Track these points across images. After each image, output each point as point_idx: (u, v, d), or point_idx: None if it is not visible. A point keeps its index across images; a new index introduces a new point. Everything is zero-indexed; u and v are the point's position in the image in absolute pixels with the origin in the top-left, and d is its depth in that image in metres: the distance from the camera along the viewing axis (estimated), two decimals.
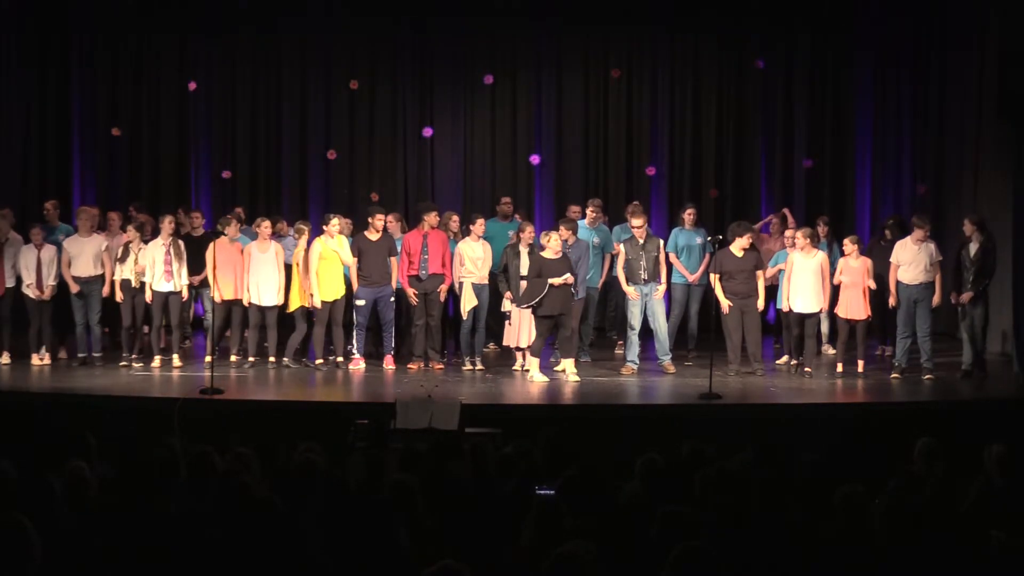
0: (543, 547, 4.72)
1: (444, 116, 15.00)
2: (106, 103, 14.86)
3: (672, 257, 12.01)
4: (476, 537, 5.42)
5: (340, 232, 11.79)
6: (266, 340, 11.84)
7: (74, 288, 11.64)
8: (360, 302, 11.71)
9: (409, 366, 11.79)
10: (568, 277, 10.90)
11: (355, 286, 11.69)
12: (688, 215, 12.25)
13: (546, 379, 11.02)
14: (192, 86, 14.80)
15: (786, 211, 13.32)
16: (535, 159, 14.94)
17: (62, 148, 14.83)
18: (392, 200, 14.51)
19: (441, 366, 11.83)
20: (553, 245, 11.06)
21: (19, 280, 11.71)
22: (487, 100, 15.02)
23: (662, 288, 11.54)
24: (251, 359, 11.75)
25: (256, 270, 11.62)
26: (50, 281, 11.64)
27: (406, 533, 5.29)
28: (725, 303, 11.43)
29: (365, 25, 14.83)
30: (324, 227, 11.73)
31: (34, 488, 5.74)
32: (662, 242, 11.64)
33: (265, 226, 11.76)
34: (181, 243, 11.75)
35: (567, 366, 11.13)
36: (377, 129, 15.07)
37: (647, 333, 11.75)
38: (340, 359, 11.86)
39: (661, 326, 11.57)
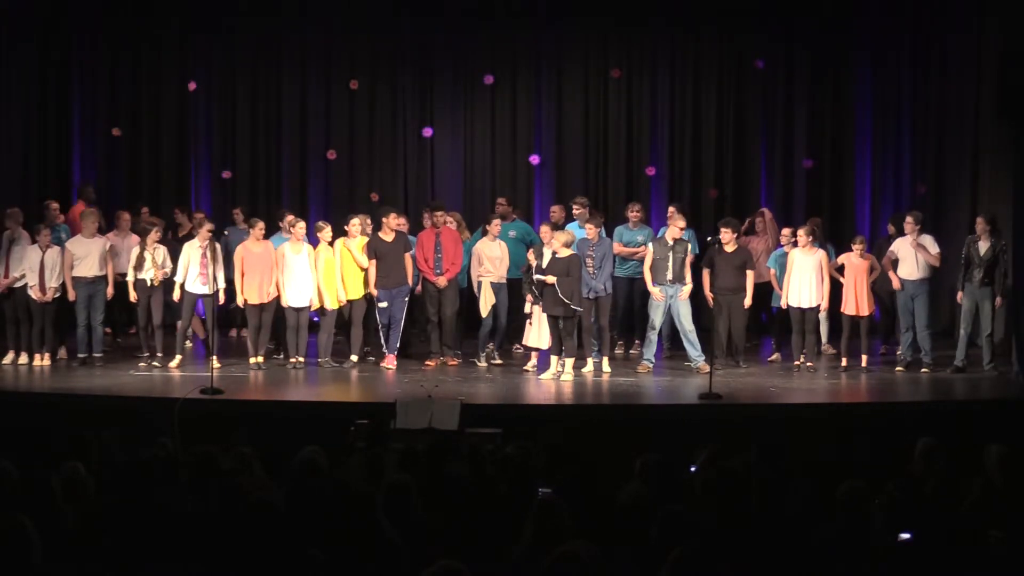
0: (543, 547, 4.72)
1: (444, 116, 14.98)
2: (106, 103, 14.85)
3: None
4: (476, 537, 5.42)
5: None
6: (297, 340, 11.80)
7: (72, 295, 11.63)
8: (383, 304, 11.78)
9: (427, 363, 11.88)
10: (549, 277, 10.93)
11: (371, 287, 11.75)
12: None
13: (570, 378, 11.05)
14: (192, 86, 14.80)
15: (764, 211, 13.34)
16: (535, 159, 14.93)
17: (62, 148, 14.82)
18: (392, 200, 14.50)
19: (456, 362, 11.94)
20: (554, 244, 11.11)
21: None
22: (487, 100, 15.01)
23: (687, 289, 11.57)
24: (291, 360, 11.72)
25: (289, 272, 11.60)
26: (52, 283, 11.63)
27: (405, 533, 5.29)
28: (710, 297, 11.61)
29: (365, 25, 14.82)
30: (345, 228, 11.89)
31: (34, 488, 5.75)
32: (691, 245, 11.65)
33: (300, 227, 11.72)
34: (218, 246, 11.73)
35: (565, 365, 11.13)
36: (377, 129, 15.06)
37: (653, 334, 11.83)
38: (355, 358, 11.90)
39: (687, 327, 11.60)
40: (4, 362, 11.74)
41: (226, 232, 12.52)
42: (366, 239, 11.88)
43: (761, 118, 14.78)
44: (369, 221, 12.15)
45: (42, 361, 11.72)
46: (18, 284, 11.68)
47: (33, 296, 11.61)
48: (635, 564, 4.93)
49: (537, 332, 11.49)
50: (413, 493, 5.62)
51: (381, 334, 11.88)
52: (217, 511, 5.58)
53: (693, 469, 7.14)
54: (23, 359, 11.76)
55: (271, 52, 14.97)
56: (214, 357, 11.07)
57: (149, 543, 5.22)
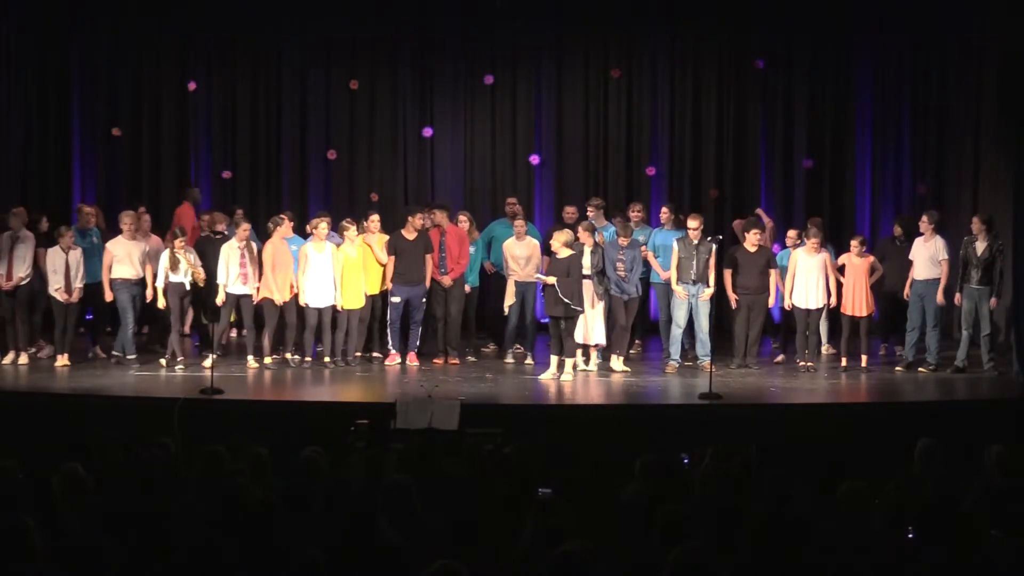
0: (543, 547, 4.72)
1: (444, 116, 14.98)
2: (106, 103, 14.84)
3: (650, 256, 12.15)
4: (476, 537, 5.42)
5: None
6: (320, 342, 11.87)
7: (108, 295, 11.62)
8: (395, 299, 11.87)
9: (435, 360, 11.99)
10: (549, 278, 11.02)
11: (387, 283, 11.85)
12: (664, 215, 12.36)
13: (570, 378, 11.06)
14: (192, 86, 14.79)
15: (759, 212, 13.36)
16: (535, 159, 14.93)
17: (62, 148, 14.81)
18: (392, 200, 14.53)
19: (457, 362, 12.01)
20: (554, 244, 11.15)
21: (39, 279, 11.71)
22: (487, 100, 15.00)
23: (708, 291, 11.57)
24: (307, 359, 11.75)
25: (312, 271, 11.60)
26: (77, 284, 11.61)
27: (405, 533, 5.29)
28: (733, 298, 11.66)
29: (365, 25, 14.82)
30: (364, 223, 12.02)
31: (34, 488, 5.75)
32: (715, 246, 11.66)
33: (322, 227, 11.71)
34: (255, 245, 11.74)
35: (565, 365, 11.14)
36: (377, 129, 15.05)
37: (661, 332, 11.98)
38: (359, 354, 11.96)
39: (703, 327, 11.61)
40: (4, 362, 11.72)
41: (225, 232, 12.50)
42: (386, 236, 11.98)
43: (761, 118, 14.78)
44: (375, 218, 12.20)
45: (67, 363, 11.61)
46: (23, 283, 11.67)
47: (59, 298, 11.55)
48: (635, 564, 4.93)
49: (583, 328, 11.48)
50: (413, 493, 5.62)
51: (389, 331, 11.93)
52: (218, 511, 5.58)
53: (686, 460, 7.17)
54: (23, 359, 11.74)
55: (271, 52, 14.97)
56: (212, 356, 11.09)
57: (149, 543, 5.22)
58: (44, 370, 11.57)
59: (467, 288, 12.37)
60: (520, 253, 12.05)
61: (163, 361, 11.68)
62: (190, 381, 10.85)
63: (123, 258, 11.65)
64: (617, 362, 11.56)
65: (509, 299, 11.96)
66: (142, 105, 14.85)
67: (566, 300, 10.93)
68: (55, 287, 11.54)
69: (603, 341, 11.50)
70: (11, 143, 14.33)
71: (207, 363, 11.38)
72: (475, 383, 11.08)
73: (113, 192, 14.66)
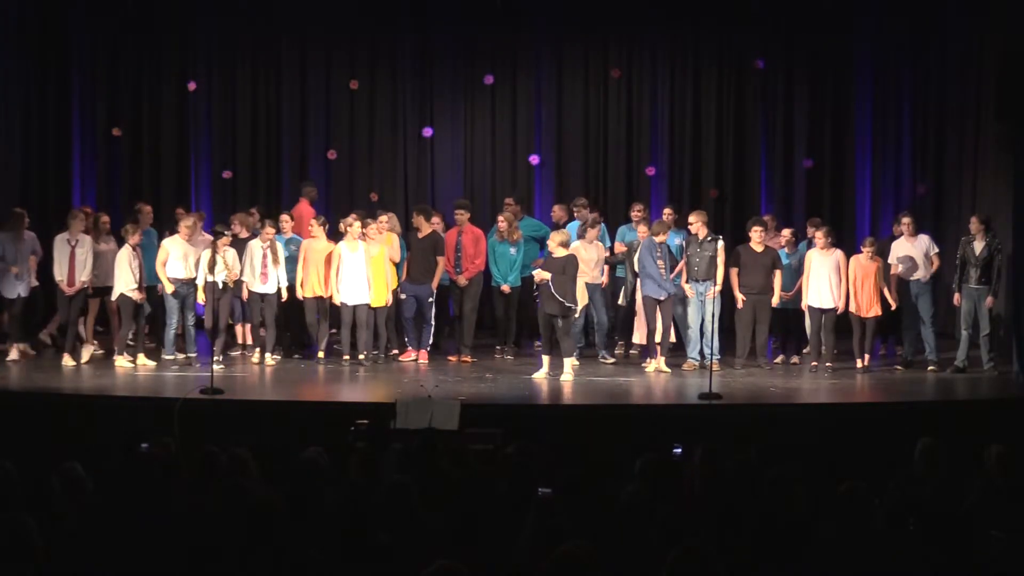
0: (543, 547, 4.72)
1: (444, 116, 14.99)
2: (106, 103, 14.84)
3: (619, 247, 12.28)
4: (476, 537, 5.42)
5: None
6: (354, 339, 11.94)
7: (170, 288, 11.64)
8: (403, 296, 12.03)
9: (449, 358, 12.13)
10: (542, 273, 11.07)
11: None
12: (667, 216, 12.35)
13: (570, 378, 11.06)
14: (192, 86, 14.79)
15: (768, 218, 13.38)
16: (535, 159, 14.94)
17: (62, 148, 14.81)
18: (392, 200, 14.53)
19: (469, 359, 12.05)
20: (550, 244, 11.19)
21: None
22: (487, 100, 15.02)
23: (715, 288, 11.57)
24: (345, 357, 11.86)
25: (345, 269, 11.70)
26: (144, 284, 11.70)
27: (404, 533, 5.29)
28: (739, 297, 11.66)
29: (365, 25, 14.84)
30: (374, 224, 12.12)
31: (35, 488, 5.75)
32: (721, 244, 11.66)
33: (356, 227, 11.81)
34: (279, 245, 11.84)
35: (566, 365, 11.14)
36: (377, 129, 15.07)
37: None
38: (371, 352, 12.04)
39: (709, 326, 11.61)
40: (83, 361, 11.73)
41: (227, 232, 12.50)
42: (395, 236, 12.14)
43: (761, 118, 14.80)
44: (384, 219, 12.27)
45: (146, 365, 11.63)
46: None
47: (134, 297, 11.59)
48: (635, 564, 4.93)
49: (642, 329, 11.63)
50: (413, 493, 5.62)
51: (407, 327, 12.06)
52: (217, 511, 5.58)
53: (678, 451, 7.18)
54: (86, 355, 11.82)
55: (271, 52, 14.98)
56: (218, 356, 11.10)
57: (149, 543, 5.22)
58: (45, 369, 11.57)
59: (506, 288, 12.34)
60: (588, 256, 12.02)
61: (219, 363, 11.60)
62: (190, 381, 10.85)
63: (179, 257, 11.69)
64: (660, 362, 11.59)
65: (580, 302, 11.99)
66: (142, 105, 14.86)
67: (559, 297, 10.95)
68: (130, 287, 11.56)
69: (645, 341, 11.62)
70: (11, 143, 14.32)
71: (265, 362, 11.64)
72: (475, 383, 11.08)
73: (113, 192, 14.66)
